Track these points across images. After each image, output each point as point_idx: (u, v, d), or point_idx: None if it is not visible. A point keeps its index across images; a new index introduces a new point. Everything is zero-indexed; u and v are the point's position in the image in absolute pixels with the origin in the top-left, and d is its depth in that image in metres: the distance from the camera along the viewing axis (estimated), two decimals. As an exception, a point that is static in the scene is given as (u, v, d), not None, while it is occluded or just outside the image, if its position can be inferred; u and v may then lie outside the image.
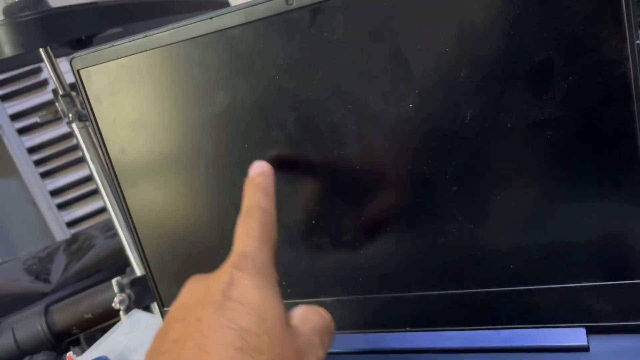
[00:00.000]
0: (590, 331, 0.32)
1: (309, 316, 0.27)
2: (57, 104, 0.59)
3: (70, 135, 1.60)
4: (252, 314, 0.23)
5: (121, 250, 0.91)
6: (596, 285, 0.31)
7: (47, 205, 1.60)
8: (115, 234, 0.98)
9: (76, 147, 1.61)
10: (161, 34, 0.35)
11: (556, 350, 0.32)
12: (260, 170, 0.32)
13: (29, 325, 0.66)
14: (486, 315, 0.34)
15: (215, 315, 0.23)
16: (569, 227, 0.31)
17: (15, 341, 0.65)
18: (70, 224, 1.62)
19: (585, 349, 0.32)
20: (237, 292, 0.24)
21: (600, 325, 0.32)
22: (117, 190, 0.41)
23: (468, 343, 0.34)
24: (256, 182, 0.31)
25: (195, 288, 0.26)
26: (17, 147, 1.57)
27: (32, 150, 1.58)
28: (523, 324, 0.33)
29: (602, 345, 0.31)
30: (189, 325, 0.23)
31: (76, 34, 0.54)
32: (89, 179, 1.63)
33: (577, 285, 0.32)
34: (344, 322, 0.38)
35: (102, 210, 1.64)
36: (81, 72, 0.38)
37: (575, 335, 0.32)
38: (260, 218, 0.29)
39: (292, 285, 0.38)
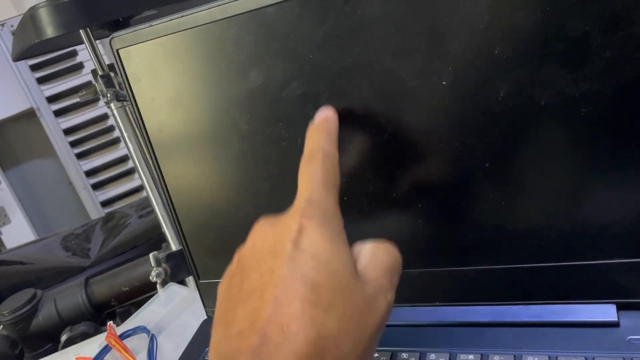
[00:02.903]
0: (620, 307, 0.32)
1: (376, 256, 0.26)
2: (96, 84, 0.61)
3: (104, 117, 1.64)
4: (323, 267, 0.24)
5: (155, 227, 0.93)
6: (627, 262, 0.32)
7: (82, 185, 1.65)
8: (149, 213, 1.02)
9: (110, 129, 1.65)
10: (198, 13, 0.36)
11: (586, 325, 0.32)
12: (324, 115, 0.32)
13: (70, 296, 0.69)
14: (516, 291, 0.35)
15: (287, 267, 0.24)
16: (601, 204, 0.31)
17: (57, 311, 0.68)
18: (105, 204, 1.66)
19: (615, 325, 0.32)
20: (307, 243, 0.25)
21: (631, 302, 0.32)
22: (155, 167, 0.42)
23: (497, 317, 0.35)
24: (319, 125, 0.31)
25: (264, 234, 0.27)
26: (54, 129, 1.62)
27: (68, 131, 1.63)
28: (553, 299, 0.34)
29: (632, 321, 0.32)
30: (263, 276, 0.24)
31: (114, 15, 0.56)
32: (122, 160, 1.67)
33: (608, 262, 0.32)
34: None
35: (135, 190, 1.68)
36: (120, 51, 0.39)
37: (606, 311, 0.32)
38: (322, 163, 0.28)
39: (324, 259, 0.39)
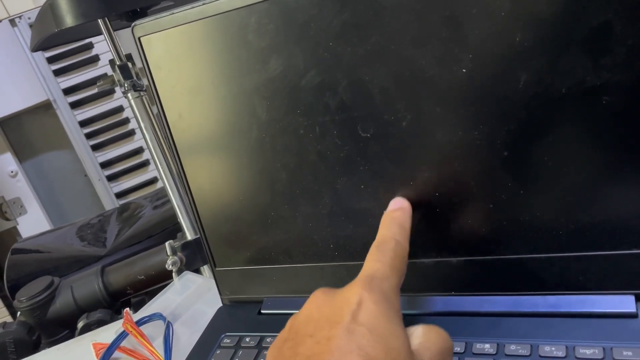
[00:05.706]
0: (639, 298, 0.32)
1: (430, 338, 0.27)
2: (114, 74, 0.62)
3: (119, 109, 1.65)
4: (379, 342, 0.24)
5: (170, 218, 0.94)
6: (647, 253, 0.31)
7: (97, 177, 1.66)
8: (164, 204, 1.03)
9: (125, 121, 1.67)
10: (219, 1, 0.37)
11: (604, 316, 0.32)
12: (399, 206, 0.34)
13: (87, 284, 0.70)
14: (533, 281, 0.35)
15: (344, 338, 0.24)
16: (620, 194, 0.31)
17: (74, 299, 0.69)
18: (119, 195, 1.68)
19: (633, 316, 0.32)
20: (365, 317, 0.25)
21: (650, 293, 0.32)
22: (174, 155, 0.43)
23: (514, 307, 0.35)
24: (394, 215, 0.33)
25: (322, 303, 0.27)
26: (70, 121, 1.63)
27: (83, 123, 1.64)
28: (570, 290, 0.34)
29: (651, 312, 0.31)
30: (319, 344, 0.25)
31: (133, 5, 0.56)
32: (137, 152, 1.69)
33: (627, 253, 0.32)
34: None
35: (149, 182, 1.69)
36: (142, 39, 0.40)
37: (624, 302, 0.32)
38: (394, 248, 0.30)
39: (340, 248, 0.39)
